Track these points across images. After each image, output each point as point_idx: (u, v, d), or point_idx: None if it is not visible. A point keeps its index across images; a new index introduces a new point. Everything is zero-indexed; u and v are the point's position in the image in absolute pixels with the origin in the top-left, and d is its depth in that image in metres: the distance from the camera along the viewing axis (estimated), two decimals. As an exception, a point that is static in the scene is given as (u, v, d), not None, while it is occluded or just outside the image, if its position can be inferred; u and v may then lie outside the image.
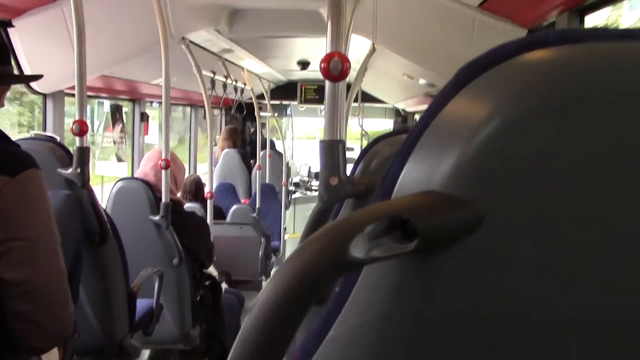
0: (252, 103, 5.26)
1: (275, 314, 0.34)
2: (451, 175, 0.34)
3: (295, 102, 6.71)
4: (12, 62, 2.38)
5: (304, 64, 5.52)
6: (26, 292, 1.30)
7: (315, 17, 3.37)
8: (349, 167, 1.04)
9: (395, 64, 4.01)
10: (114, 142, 4.05)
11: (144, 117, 4.28)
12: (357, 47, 3.80)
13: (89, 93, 2.42)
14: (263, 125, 6.28)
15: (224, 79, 4.58)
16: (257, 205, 4.83)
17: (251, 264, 4.64)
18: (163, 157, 2.73)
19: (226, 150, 5.86)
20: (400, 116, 7.50)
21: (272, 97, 6.33)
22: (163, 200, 2.73)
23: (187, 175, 4.10)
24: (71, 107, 3.03)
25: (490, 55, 0.36)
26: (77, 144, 2.01)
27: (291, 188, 7.27)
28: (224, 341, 3.31)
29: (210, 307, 3.18)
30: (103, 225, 2.17)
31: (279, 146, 6.85)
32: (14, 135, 2.89)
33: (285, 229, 5.97)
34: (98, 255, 2.20)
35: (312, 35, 3.78)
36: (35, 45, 2.55)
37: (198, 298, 3.03)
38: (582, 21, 2.15)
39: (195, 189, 4.16)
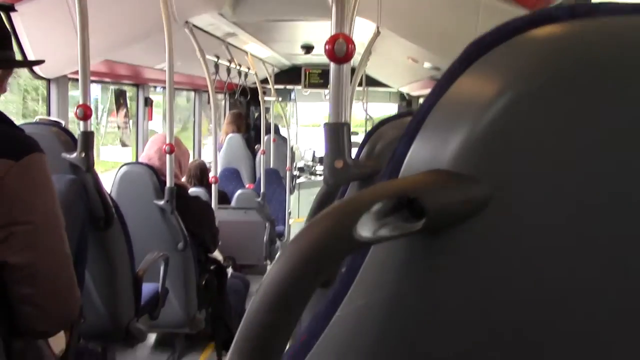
0: (256, 87, 5.24)
1: (281, 294, 0.33)
2: (460, 153, 0.34)
3: (300, 87, 6.70)
4: (16, 47, 2.38)
5: (308, 48, 5.49)
6: (30, 276, 1.30)
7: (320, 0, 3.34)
8: (354, 151, 1.04)
9: (399, 47, 3.98)
10: (118, 127, 4.05)
11: (148, 102, 4.27)
12: (361, 31, 3.77)
13: (92, 78, 2.41)
14: (267, 109, 6.27)
15: (228, 64, 4.56)
16: (262, 190, 4.82)
17: (256, 249, 4.64)
18: (167, 141, 2.73)
19: (230, 135, 5.86)
20: (405, 100, 7.48)
21: (276, 82, 6.30)
22: (167, 184, 2.73)
23: (191, 160, 4.10)
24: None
25: (499, 32, 0.36)
26: (81, 128, 2.02)
27: (295, 173, 7.27)
28: (230, 325, 3.33)
29: (216, 291, 3.19)
30: (108, 209, 2.17)
31: (283, 133, 6.84)
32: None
33: (289, 213, 5.96)
34: (103, 239, 2.21)
35: (316, 19, 3.76)
36: (38, 30, 2.54)
37: (203, 282, 3.05)
38: (589, 4, 2.12)
39: (200, 174, 4.17)
